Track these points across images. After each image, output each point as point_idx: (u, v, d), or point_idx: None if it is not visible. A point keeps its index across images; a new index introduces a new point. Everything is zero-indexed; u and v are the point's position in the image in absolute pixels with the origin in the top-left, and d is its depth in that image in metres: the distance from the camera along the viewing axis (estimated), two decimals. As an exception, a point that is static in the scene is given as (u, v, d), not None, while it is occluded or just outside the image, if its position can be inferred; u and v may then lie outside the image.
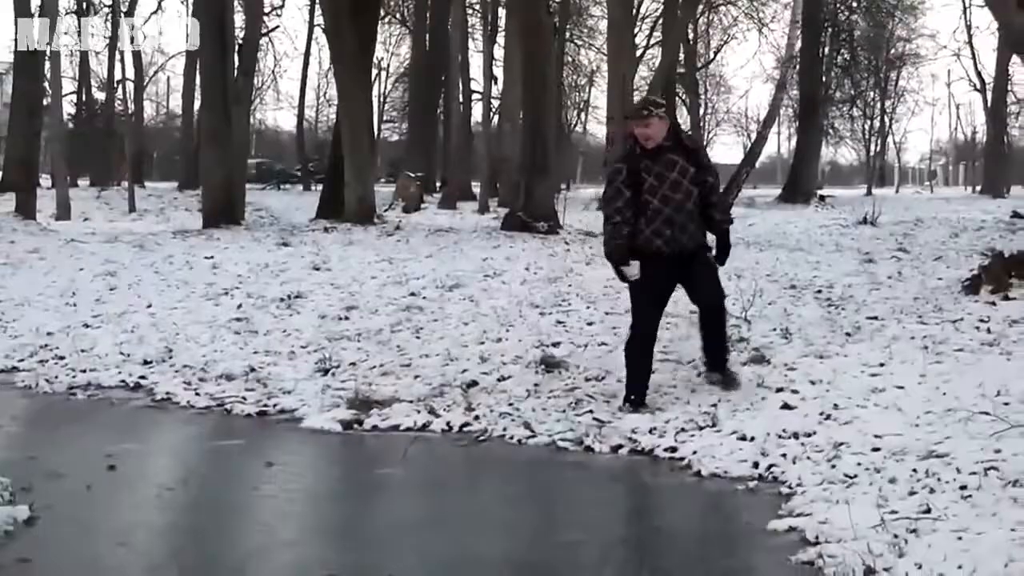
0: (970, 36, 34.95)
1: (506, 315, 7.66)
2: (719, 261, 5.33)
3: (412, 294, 8.61)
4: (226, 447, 5.00)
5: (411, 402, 5.51)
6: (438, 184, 31.11)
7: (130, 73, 33.00)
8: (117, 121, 34.53)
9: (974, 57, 35.74)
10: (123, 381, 6.27)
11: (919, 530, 3.43)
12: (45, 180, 24.35)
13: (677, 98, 30.90)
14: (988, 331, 6.42)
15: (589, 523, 3.97)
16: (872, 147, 43.33)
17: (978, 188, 36.84)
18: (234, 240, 13.19)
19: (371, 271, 9.93)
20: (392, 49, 37.77)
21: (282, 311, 8.02)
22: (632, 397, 5.22)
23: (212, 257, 11.19)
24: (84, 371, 6.44)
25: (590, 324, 7.32)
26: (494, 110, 27.91)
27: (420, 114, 33.41)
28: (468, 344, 6.76)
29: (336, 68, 16.81)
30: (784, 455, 4.44)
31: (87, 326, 7.69)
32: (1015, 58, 22.38)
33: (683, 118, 33.91)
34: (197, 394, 5.90)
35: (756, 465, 4.38)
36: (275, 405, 5.64)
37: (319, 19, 29.76)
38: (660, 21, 31.48)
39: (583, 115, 42.75)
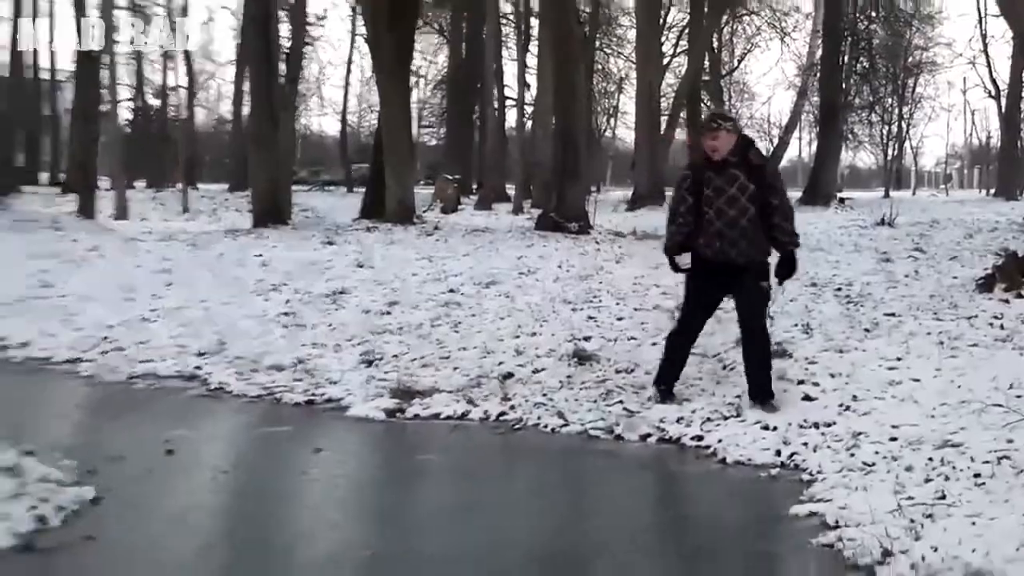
0: (985, 45, 34.48)
1: (540, 311, 7.81)
2: (777, 275, 5.22)
3: (451, 290, 8.77)
4: (276, 434, 5.17)
5: (450, 392, 5.69)
6: (474, 186, 31.15)
7: (183, 80, 33.77)
8: (171, 126, 35.28)
9: (989, 65, 35.20)
10: (179, 371, 6.49)
11: (935, 515, 3.53)
12: (104, 183, 25.00)
13: (702, 104, 30.72)
14: (1001, 327, 6.47)
15: (619, 508, 4.12)
16: (890, 151, 43.13)
17: (992, 191, 36.24)
18: (282, 239, 13.32)
19: (412, 268, 10.05)
20: (430, 58, 37.95)
21: (328, 306, 8.22)
22: (662, 385, 5.39)
23: (261, 255, 11.36)
24: (143, 362, 6.68)
25: (620, 319, 7.47)
26: (527, 116, 28.07)
27: (457, 120, 33.85)
28: (504, 338, 6.93)
29: (377, 77, 17.01)
30: (805, 444, 4.57)
31: (145, 320, 7.93)
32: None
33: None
34: (248, 384, 6.10)
35: (779, 453, 4.51)
36: (322, 394, 5.83)
37: (361, 29, 30.15)
38: (686, 30, 31.60)
39: (612, 120, 42.65)
